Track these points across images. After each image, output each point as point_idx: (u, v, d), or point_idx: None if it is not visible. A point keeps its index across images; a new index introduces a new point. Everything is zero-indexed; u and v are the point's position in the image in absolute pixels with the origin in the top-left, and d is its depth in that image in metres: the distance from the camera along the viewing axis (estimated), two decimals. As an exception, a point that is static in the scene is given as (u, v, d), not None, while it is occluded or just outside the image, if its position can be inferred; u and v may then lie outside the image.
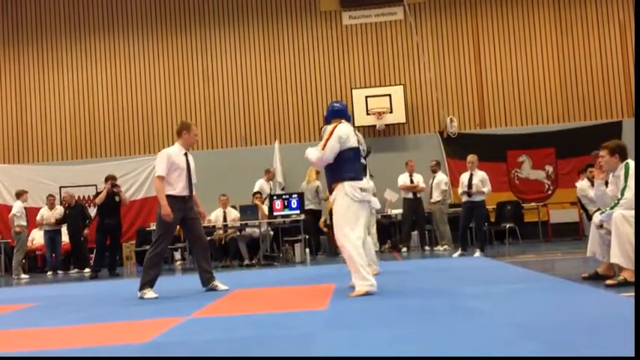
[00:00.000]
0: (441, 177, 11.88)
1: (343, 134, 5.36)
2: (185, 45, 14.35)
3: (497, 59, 14.07)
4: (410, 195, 11.70)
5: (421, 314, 4.12)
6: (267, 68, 14.22)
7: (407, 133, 13.98)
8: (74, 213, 11.67)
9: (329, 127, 5.51)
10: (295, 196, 11.54)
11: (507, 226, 10.42)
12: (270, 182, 12.61)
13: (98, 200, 10.55)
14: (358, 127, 13.74)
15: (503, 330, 3.40)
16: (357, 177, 5.36)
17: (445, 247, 11.32)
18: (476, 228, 10.06)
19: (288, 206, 11.22)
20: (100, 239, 10.40)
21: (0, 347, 3.91)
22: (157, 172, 6.09)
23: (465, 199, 9.69)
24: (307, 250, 11.17)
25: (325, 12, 14.27)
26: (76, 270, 11.87)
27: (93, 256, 10.97)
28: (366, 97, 13.57)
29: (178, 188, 6.09)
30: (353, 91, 13.74)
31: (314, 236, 11.87)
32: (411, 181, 11.71)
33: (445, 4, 14.14)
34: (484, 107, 14.03)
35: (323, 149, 5.35)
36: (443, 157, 13.45)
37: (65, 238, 11.99)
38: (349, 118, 5.81)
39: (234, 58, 14.29)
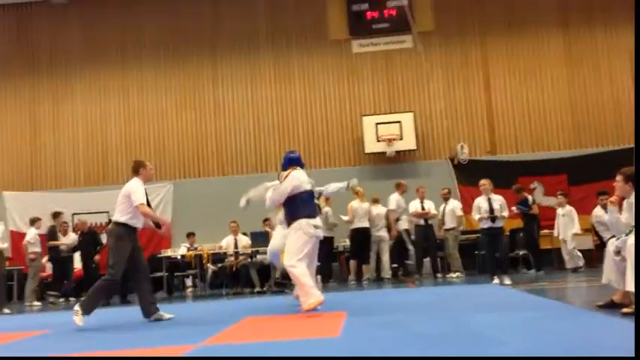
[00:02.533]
0: (454, 203, 11.84)
1: (296, 180, 6.38)
2: (195, 76, 14.51)
3: (507, 87, 14.12)
4: (421, 222, 11.66)
5: (434, 342, 4.07)
6: (277, 97, 14.34)
7: (417, 160, 13.98)
8: (87, 239, 11.71)
9: (284, 173, 6.55)
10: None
11: (521, 253, 10.33)
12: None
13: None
14: (368, 153, 13.84)
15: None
16: (312, 215, 6.38)
17: (457, 274, 11.22)
18: (500, 255, 9.45)
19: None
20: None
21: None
22: (138, 202, 6.33)
23: (486, 225, 9.23)
24: (319, 277, 11.11)
25: (334, 41, 14.43)
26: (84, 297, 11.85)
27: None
28: (376, 123, 13.63)
29: (135, 219, 6.41)
30: (363, 118, 13.81)
31: (325, 263, 11.82)
32: (422, 208, 11.68)
33: (453, 33, 14.25)
34: (494, 134, 14.04)
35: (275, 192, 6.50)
36: (454, 184, 13.42)
37: (77, 264, 12.03)
38: (303, 165, 6.77)
39: (245, 88, 14.43)
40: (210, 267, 11.62)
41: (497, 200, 9.23)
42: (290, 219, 6.40)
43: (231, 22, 14.58)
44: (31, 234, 11.64)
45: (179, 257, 11.79)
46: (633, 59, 13.63)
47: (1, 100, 14.74)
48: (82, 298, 6.32)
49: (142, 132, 14.50)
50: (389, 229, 11.54)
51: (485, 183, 9.36)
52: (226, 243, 11.57)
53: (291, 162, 6.71)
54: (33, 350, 4.88)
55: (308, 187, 6.48)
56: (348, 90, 14.28)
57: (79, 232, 11.99)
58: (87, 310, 6.08)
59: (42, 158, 14.54)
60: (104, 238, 11.72)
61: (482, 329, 4.51)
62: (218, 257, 11.54)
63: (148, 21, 14.71)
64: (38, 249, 11.65)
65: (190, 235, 12.41)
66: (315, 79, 14.35)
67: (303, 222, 6.26)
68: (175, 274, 12.01)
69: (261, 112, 14.33)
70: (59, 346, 5.11)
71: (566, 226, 11.33)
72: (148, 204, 6.54)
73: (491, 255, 9.39)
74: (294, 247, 6.23)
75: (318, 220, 6.46)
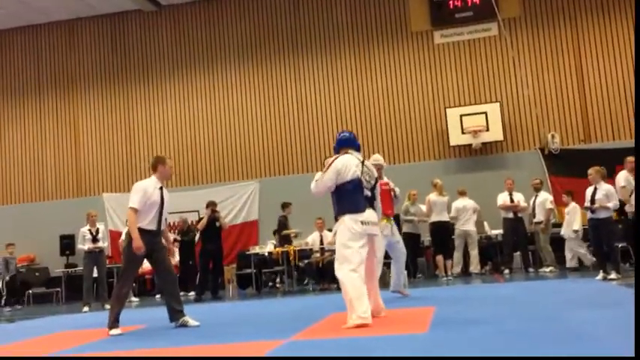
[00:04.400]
0: (545, 196, 11.38)
1: (342, 167, 5.37)
2: (279, 74, 14.72)
3: (602, 70, 13.40)
4: (510, 215, 11.28)
5: (525, 340, 3.92)
6: (359, 91, 14.30)
7: (505, 151, 13.55)
8: (187, 238, 12.21)
9: (330, 160, 5.52)
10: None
11: (620, 245, 9.79)
12: None
13: (200, 226, 10.96)
14: (454, 146, 13.54)
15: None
16: (358, 210, 5.32)
17: (550, 268, 10.78)
18: (606, 247, 8.78)
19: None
20: (203, 263, 10.79)
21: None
22: (130, 204, 5.96)
23: (588, 216, 8.84)
24: (405, 272, 10.99)
25: (416, 32, 14.22)
26: (182, 293, 12.34)
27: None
28: (461, 115, 13.31)
29: (147, 221, 5.98)
30: (447, 110, 13.54)
31: (413, 259, 11.70)
32: (511, 200, 11.30)
33: (543, 17, 13.69)
34: (588, 121, 13.37)
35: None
36: (545, 175, 12.90)
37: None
38: (358, 147, 5.74)
39: (327, 83, 14.49)
40: (297, 263, 11.78)
41: (603, 189, 8.64)
42: (335, 214, 5.46)
43: (312, 17, 14.69)
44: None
45: (266, 254, 12.02)
46: None
47: (98, 107, 15.56)
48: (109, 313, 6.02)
49: (228, 132, 14.88)
50: None
51: (591, 172, 8.86)
52: (312, 240, 11.68)
53: (343, 144, 5.67)
54: (129, 344, 5.12)
55: (354, 175, 5.38)
56: (430, 82, 14.03)
57: (179, 230, 12.50)
58: (114, 322, 5.87)
59: (136, 161, 15.24)
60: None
61: (574, 326, 4.30)
62: (304, 254, 11.68)
63: (233, 22, 15.07)
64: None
65: (277, 232, 12.64)
66: (397, 72, 14.20)
67: (346, 218, 5.27)
68: (263, 270, 12.26)
69: (343, 108, 14.35)
70: (155, 340, 5.33)
71: None
72: (162, 205, 6.04)
73: (596, 248, 8.92)
74: (340, 248, 5.27)
75: (368, 215, 5.37)
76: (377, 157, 7.65)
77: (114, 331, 5.80)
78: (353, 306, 5.07)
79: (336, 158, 5.49)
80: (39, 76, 15.92)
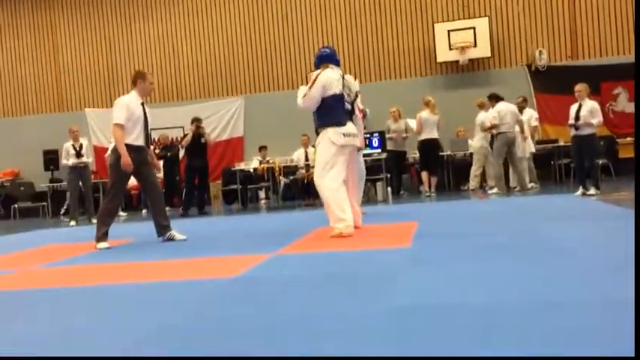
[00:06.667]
0: (530, 112, 11.38)
1: (326, 82, 5.55)
2: (263, -16, 14.26)
3: (593, -16, 13.13)
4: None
5: (506, 251, 4.05)
6: (345, 5, 13.93)
7: (492, 68, 13.45)
8: (171, 153, 12.17)
9: (314, 74, 5.65)
10: (377, 134, 11.47)
11: (600, 162, 9.94)
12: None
13: (185, 142, 10.91)
14: (440, 63, 13.40)
15: (592, 269, 3.29)
16: (340, 123, 5.57)
17: (531, 184, 10.97)
18: (588, 164, 8.88)
19: (369, 145, 11.17)
20: (189, 179, 10.83)
21: (99, 279, 4.21)
22: (115, 120, 5.87)
23: (572, 132, 8.85)
24: (389, 188, 11.16)
25: (406, -58, 13.70)
26: (167, 208, 12.45)
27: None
28: (449, 31, 13.10)
29: (134, 136, 5.93)
30: (435, 25, 13.29)
31: (396, 175, 11.83)
32: (497, 118, 11.29)
33: None
34: (577, 37, 13.23)
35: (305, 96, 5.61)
36: (531, 92, 12.88)
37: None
38: (338, 62, 5.90)
39: (312, 1, 14.09)
40: (282, 179, 11.87)
41: (588, 106, 8.65)
42: (316, 127, 5.73)
43: None
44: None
45: (252, 170, 12.08)
46: None
47: (77, 23, 15.06)
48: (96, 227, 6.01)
49: (212, 48, 14.56)
50: None
51: (579, 89, 8.80)
52: (297, 156, 11.72)
53: (324, 60, 5.79)
54: (118, 257, 5.21)
55: (337, 90, 5.59)
56: (418, -4, 13.68)
57: (161, 146, 12.43)
58: (103, 235, 5.92)
59: (118, 77, 14.94)
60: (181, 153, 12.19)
61: (554, 240, 4.44)
62: (290, 170, 11.75)
63: None
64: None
65: (262, 148, 12.66)
66: (385, -14, 13.80)
67: (329, 131, 5.52)
68: (248, 186, 12.36)
69: (328, 22, 14.02)
70: (142, 254, 5.43)
71: None
72: (146, 120, 5.99)
73: (578, 164, 8.99)
74: (321, 160, 5.54)
75: (349, 127, 5.63)
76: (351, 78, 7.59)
77: (102, 244, 5.86)
78: (336, 215, 5.38)
79: (319, 73, 5.63)
80: (12, -15, 15.28)
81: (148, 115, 6.08)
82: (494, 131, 10.31)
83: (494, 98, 10.50)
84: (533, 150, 11.05)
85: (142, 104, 6.06)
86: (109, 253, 5.65)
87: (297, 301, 3.00)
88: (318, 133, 5.72)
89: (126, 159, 5.79)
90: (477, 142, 11.26)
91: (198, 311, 2.96)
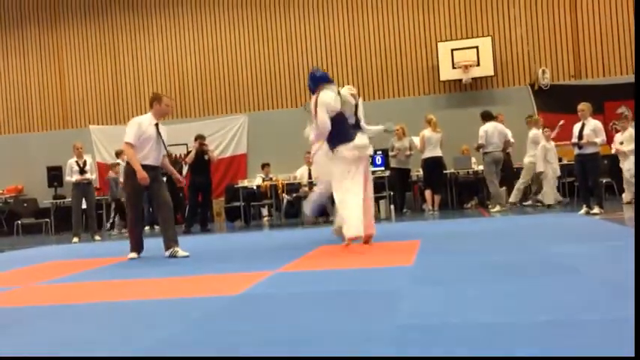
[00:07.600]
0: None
1: (327, 103, 5.76)
2: (268, 7, 14.36)
3: (595, 5, 13.19)
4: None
5: (509, 271, 4.03)
6: (349, 25, 14.01)
7: (495, 87, 13.49)
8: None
9: (314, 98, 5.87)
10: (380, 152, 11.48)
11: (604, 181, 9.91)
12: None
13: (189, 159, 10.93)
14: (444, 81, 13.45)
15: (595, 289, 3.27)
16: (349, 139, 5.80)
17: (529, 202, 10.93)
18: (591, 183, 8.86)
19: (372, 163, 11.16)
20: (192, 196, 10.83)
21: (100, 296, 4.19)
22: (125, 139, 6.13)
23: (575, 151, 8.84)
24: (392, 206, 11.14)
25: (409, -37, 13.83)
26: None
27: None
28: (452, 50, 13.16)
29: (141, 155, 6.14)
30: (439, 44, 13.36)
31: (400, 193, 11.81)
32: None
33: (538, -52, 13.32)
34: (579, 57, 13.27)
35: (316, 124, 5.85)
36: (534, 111, 12.89)
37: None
38: (332, 81, 6.11)
39: (317, 17, 14.14)
40: (285, 197, 11.86)
41: (591, 125, 8.66)
42: (330, 148, 5.93)
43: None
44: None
45: (255, 187, 12.09)
46: None
47: (83, 39, 15.18)
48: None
49: (216, 66, 14.65)
50: None
51: (583, 107, 8.83)
52: (300, 173, 11.72)
53: (320, 81, 5.98)
54: (120, 274, 5.20)
55: (337, 107, 5.83)
56: (422, 15, 13.76)
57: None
58: (132, 248, 6.33)
59: (122, 94, 15.02)
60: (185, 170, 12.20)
61: (557, 258, 4.42)
62: (293, 187, 11.75)
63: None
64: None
65: (265, 165, 12.67)
66: (389, 5, 13.89)
67: (341, 149, 5.77)
68: (251, 203, 12.35)
69: (333, 42, 14.11)
70: (146, 271, 5.42)
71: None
72: (159, 141, 6.24)
73: (582, 183, 8.96)
74: (338, 174, 5.81)
75: (359, 140, 5.84)
76: (350, 87, 7.66)
77: (130, 255, 6.25)
78: (350, 222, 5.65)
79: (317, 98, 5.84)
80: (21, 6, 15.44)
81: (163, 135, 6.31)
82: (481, 150, 10.44)
83: (486, 117, 10.61)
84: (559, 173, 10.96)
85: (157, 125, 6.27)
86: (111, 269, 5.65)
87: (297, 318, 2.99)
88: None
89: (141, 174, 5.99)
90: (527, 158, 11.17)
91: (199, 327, 2.95)
